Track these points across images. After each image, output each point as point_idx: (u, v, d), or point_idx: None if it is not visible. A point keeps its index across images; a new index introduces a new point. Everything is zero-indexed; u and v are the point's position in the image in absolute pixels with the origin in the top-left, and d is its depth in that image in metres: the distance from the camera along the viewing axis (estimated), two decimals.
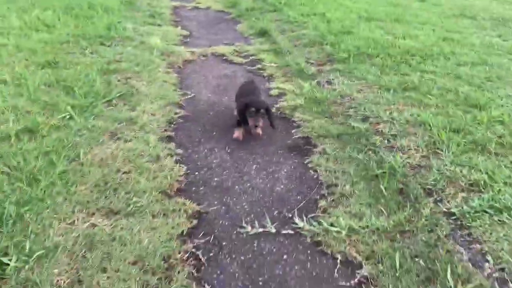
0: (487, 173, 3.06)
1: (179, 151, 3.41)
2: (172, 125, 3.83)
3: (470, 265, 2.36)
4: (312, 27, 6.87)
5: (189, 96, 4.50)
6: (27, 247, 2.19)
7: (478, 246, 2.49)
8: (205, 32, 7.19)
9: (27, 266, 2.10)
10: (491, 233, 2.55)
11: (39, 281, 2.03)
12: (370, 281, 2.30)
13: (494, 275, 2.29)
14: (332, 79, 5.00)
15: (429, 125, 3.76)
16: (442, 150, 3.40)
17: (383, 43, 6.01)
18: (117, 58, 5.16)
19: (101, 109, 3.80)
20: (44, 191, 2.61)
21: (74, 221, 2.47)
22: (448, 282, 2.22)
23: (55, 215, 2.47)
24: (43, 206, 2.50)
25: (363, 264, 2.41)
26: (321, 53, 5.86)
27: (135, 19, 7.26)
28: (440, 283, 2.25)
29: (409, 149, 3.48)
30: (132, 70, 4.81)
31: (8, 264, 2.08)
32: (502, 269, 2.31)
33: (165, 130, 3.70)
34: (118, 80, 4.51)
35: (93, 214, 2.55)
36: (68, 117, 3.56)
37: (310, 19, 7.31)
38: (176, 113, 4.04)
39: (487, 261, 2.38)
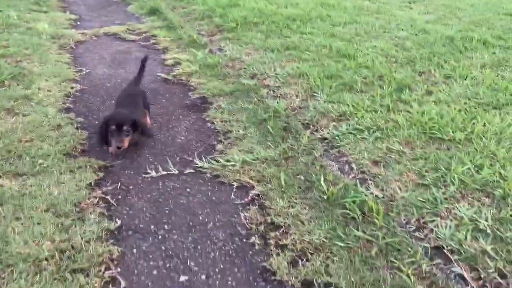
0: (352, 105, 3.64)
1: (79, 119, 3.57)
2: (70, 98, 3.94)
3: (339, 172, 2.89)
4: (201, 2, 7.17)
5: (84, 72, 4.60)
6: None
7: (344, 158, 3.03)
8: (95, 15, 7.16)
9: None
10: (355, 148, 3.10)
11: None
12: (261, 197, 2.72)
13: (356, 177, 2.83)
14: (223, 46, 5.37)
15: (307, 75, 4.30)
16: (317, 93, 3.93)
17: (267, 12, 6.50)
18: (3, 44, 5.05)
19: None
20: None
21: None
22: (322, 187, 2.71)
23: None
24: None
25: (255, 186, 2.83)
26: (211, 25, 6.20)
27: (18, 7, 7.00)
28: (316, 189, 2.73)
29: (290, 96, 3.97)
30: (21, 54, 4.76)
31: None
32: (363, 172, 2.87)
33: (63, 103, 3.81)
34: (8, 63, 4.47)
35: (0, 177, 2.67)
36: None
37: None
38: (72, 88, 4.15)
39: (352, 168, 2.92)
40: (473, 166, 2.75)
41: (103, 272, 2.09)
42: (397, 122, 3.34)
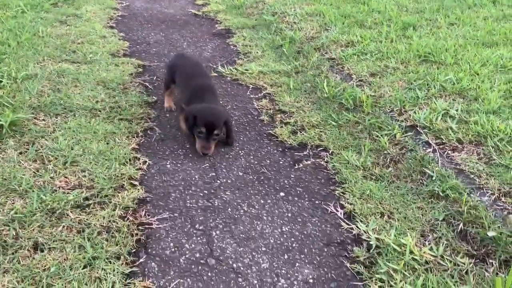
0: (360, 36, 4.11)
1: (121, 34, 4.15)
2: (113, 20, 4.52)
3: (340, 81, 3.38)
4: None
5: (124, 4, 5.17)
6: (13, 74, 2.88)
7: (347, 71, 3.52)
8: None
9: (16, 83, 2.80)
10: (357, 65, 3.58)
11: (28, 90, 2.75)
12: (272, 94, 3.24)
13: (355, 83, 3.32)
14: None
15: (323, 14, 4.76)
16: (330, 27, 4.41)
17: None
18: None
19: (48, 7, 4.39)
20: (15, 49, 3.27)
21: (45, 64, 3.17)
22: (324, 89, 3.21)
23: (28, 60, 3.16)
24: (18, 55, 3.17)
25: (267, 87, 3.35)
26: None
27: None
28: (319, 91, 3.24)
29: (306, 29, 4.45)
30: None
31: (1, 81, 2.77)
32: (361, 80, 3.35)
33: (107, 23, 4.39)
34: None
35: (59, 62, 3.27)
36: (20, 11, 4.12)
37: None
38: (114, 13, 4.72)
39: (352, 78, 3.41)
40: (455, 78, 3.21)
41: (143, 123, 2.66)
42: (397, 49, 3.79)
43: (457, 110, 2.79)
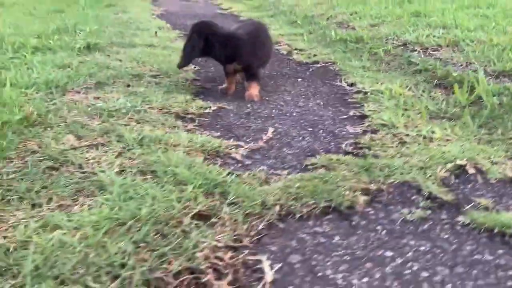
0: (363, 9, 4.88)
1: (164, 20, 5.04)
2: (155, 15, 5.45)
3: (345, 31, 4.12)
4: None
5: (162, 9, 6.14)
6: (87, 29, 3.73)
7: (351, 26, 4.27)
8: None
9: (90, 33, 3.65)
10: (359, 22, 4.33)
11: (101, 35, 3.59)
12: (289, 44, 3.99)
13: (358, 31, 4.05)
14: None
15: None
16: (337, 7, 5.21)
17: None
18: None
19: (102, 6, 5.36)
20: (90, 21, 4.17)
21: (110, 29, 4.04)
22: (333, 35, 3.94)
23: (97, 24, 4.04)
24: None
25: (286, 41, 4.11)
26: None
27: None
28: (329, 38, 3.97)
29: (316, 10, 5.27)
30: None
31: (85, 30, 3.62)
32: (362, 30, 4.08)
33: (152, 15, 5.32)
34: None
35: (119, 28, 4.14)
36: (81, 8, 5.10)
37: None
38: (155, 12, 5.67)
39: (355, 29, 4.15)
40: (439, 20, 3.90)
41: None
42: (395, 12, 4.54)
43: (439, 32, 3.47)
